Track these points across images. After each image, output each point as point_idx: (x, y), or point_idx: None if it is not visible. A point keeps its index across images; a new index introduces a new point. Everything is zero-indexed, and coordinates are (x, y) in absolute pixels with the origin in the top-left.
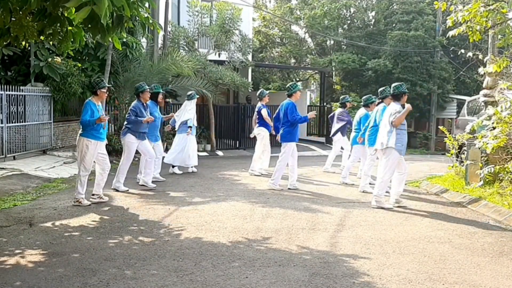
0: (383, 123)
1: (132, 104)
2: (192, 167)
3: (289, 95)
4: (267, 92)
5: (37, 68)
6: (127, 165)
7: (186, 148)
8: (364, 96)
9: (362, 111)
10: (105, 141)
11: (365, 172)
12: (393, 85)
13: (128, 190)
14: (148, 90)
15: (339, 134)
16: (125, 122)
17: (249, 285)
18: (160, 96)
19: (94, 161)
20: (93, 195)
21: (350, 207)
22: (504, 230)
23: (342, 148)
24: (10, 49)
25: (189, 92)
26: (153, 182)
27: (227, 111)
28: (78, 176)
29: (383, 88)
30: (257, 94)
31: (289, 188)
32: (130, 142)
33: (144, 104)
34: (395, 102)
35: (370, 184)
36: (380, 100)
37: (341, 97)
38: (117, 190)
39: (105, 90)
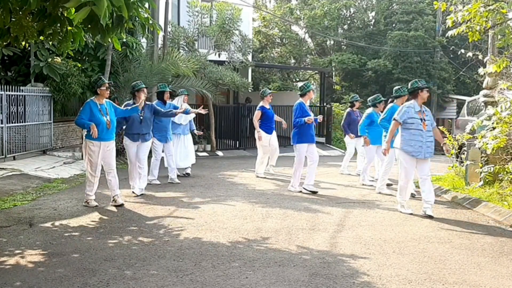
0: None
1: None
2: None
3: (302, 95)
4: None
5: (37, 68)
6: (130, 167)
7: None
8: (372, 96)
9: (369, 111)
10: (110, 141)
11: (383, 173)
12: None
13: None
14: (144, 88)
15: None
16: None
17: (249, 285)
18: (166, 95)
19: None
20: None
21: (350, 207)
22: (504, 230)
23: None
24: (10, 49)
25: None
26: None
27: (227, 111)
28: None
29: (399, 87)
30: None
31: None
32: (125, 144)
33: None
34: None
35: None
36: (391, 100)
37: (351, 96)
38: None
39: (104, 88)
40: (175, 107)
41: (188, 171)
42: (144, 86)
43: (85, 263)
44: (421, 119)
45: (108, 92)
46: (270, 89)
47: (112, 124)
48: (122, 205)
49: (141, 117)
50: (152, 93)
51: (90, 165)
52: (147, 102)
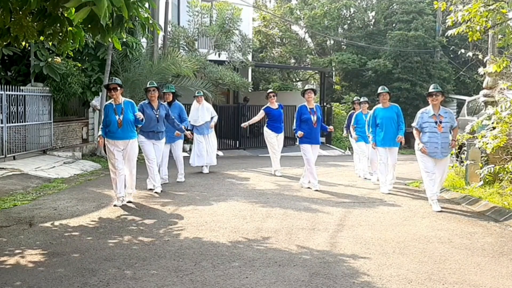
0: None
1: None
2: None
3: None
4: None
5: (37, 68)
6: (151, 165)
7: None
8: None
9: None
10: (127, 140)
11: (381, 172)
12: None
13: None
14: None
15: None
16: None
17: (249, 285)
18: (167, 96)
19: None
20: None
21: (350, 207)
22: (504, 230)
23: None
24: (10, 49)
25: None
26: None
27: (227, 111)
28: None
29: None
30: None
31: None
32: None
33: (152, 104)
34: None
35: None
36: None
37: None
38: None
39: (110, 89)
40: (181, 109)
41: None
42: (154, 85)
43: (85, 263)
44: (435, 122)
45: (116, 92)
46: (269, 88)
47: (125, 123)
48: (115, 205)
49: (157, 116)
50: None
51: (108, 161)
52: (162, 102)
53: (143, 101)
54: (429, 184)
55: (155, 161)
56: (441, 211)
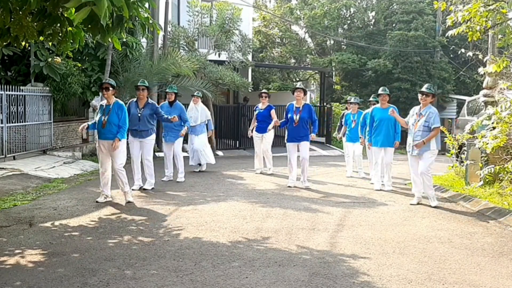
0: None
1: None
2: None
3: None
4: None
5: (37, 68)
6: (133, 165)
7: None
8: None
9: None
10: (110, 141)
11: (377, 172)
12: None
13: (140, 188)
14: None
15: None
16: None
17: (249, 285)
18: (169, 96)
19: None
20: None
21: (350, 207)
22: (504, 230)
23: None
24: (10, 49)
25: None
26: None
27: (227, 111)
28: None
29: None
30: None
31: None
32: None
33: (138, 103)
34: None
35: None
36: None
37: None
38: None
39: (102, 89)
40: (181, 109)
41: (201, 168)
42: (143, 84)
43: (85, 263)
44: (415, 120)
45: (107, 92)
46: (269, 89)
47: (109, 124)
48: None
49: (139, 115)
50: (152, 92)
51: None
52: (150, 101)
53: (132, 99)
54: (412, 180)
55: (138, 160)
56: (417, 204)
